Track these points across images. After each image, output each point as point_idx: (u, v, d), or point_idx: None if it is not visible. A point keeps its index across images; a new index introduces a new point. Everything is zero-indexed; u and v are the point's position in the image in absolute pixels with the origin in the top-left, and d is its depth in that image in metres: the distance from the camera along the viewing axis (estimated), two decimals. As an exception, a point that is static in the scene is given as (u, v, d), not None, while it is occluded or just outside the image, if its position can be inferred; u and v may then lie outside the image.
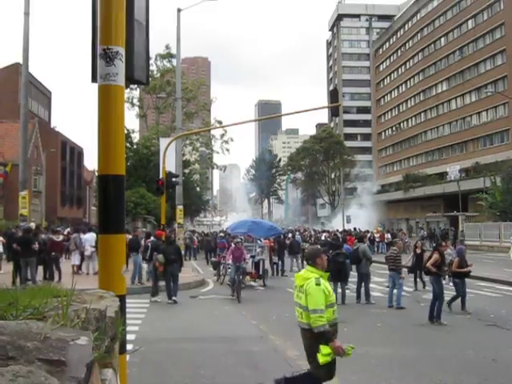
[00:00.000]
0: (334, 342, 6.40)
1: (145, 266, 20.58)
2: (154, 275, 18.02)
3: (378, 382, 8.63)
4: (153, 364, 9.33)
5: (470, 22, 73.09)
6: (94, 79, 4.60)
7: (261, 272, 22.10)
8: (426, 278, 20.80)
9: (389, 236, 41.42)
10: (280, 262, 27.58)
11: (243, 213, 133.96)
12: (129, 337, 9.26)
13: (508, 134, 64.28)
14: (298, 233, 39.90)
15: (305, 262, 8.15)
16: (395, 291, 16.36)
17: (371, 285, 18.47)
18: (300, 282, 6.65)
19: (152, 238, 20.80)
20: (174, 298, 16.96)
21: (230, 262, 18.79)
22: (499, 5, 67.00)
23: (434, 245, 16.01)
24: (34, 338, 1.50)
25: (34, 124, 64.68)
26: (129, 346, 8.88)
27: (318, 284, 6.39)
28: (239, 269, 18.05)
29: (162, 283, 18.33)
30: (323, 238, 38.75)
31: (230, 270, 19.66)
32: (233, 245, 21.82)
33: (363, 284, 17.57)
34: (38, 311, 1.83)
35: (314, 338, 6.40)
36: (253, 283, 22.05)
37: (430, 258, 14.24)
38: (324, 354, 6.27)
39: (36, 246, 19.12)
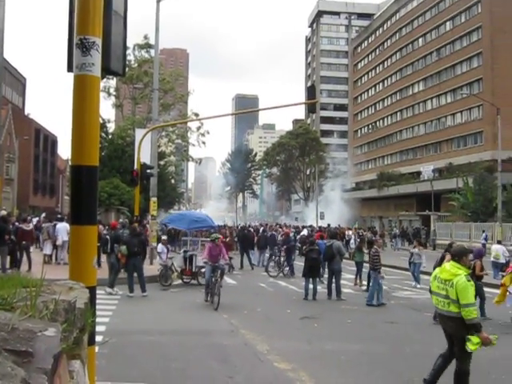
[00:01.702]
0: (483, 333, 6.98)
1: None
2: (114, 267, 17.56)
3: (347, 378, 8.72)
4: (123, 356, 9.30)
5: (448, 23, 73.80)
6: (69, 69, 4.56)
7: (194, 269, 20.03)
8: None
9: (349, 233, 41.42)
10: (246, 257, 27.80)
11: (219, 203, 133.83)
12: (99, 328, 9.22)
13: (481, 136, 65.13)
14: (262, 228, 40.07)
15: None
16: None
17: (342, 281, 18.62)
18: (447, 277, 7.22)
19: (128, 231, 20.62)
20: (143, 293, 16.69)
21: (206, 260, 16.00)
22: (477, 8, 67.76)
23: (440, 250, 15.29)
24: (2, 329, 1.50)
25: (8, 110, 63.80)
26: (99, 338, 8.85)
27: (469, 280, 7.05)
28: (216, 269, 15.58)
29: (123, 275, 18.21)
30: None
31: (203, 270, 17.71)
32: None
33: (334, 280, 17.66)
34: (6, 302, 1.82)
35: (460, 326, 7.01)
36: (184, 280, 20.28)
37: (442, 259, 13.72)
38: (474, 343, 6.88)
39: (7, 237, 18.89)
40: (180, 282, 20.20)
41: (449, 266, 7.42)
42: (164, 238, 22.24)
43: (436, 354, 7.53)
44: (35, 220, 32.35)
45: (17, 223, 22.34)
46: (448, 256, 13.58)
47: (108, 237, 18.87)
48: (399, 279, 22.24)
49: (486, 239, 38.94)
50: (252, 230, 36.57)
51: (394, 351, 10.41)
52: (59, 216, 29.87)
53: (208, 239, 22.68)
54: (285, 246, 25.19)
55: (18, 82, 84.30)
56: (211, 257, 15.79)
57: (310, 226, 46.28)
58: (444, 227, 50.24)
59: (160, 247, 20.59)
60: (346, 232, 42.19)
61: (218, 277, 15.32)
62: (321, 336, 11.67)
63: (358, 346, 10.66)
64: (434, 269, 14.02)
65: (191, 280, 20.27)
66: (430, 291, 7.88)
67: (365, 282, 20.29)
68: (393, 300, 17.38)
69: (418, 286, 20.70)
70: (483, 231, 40.78)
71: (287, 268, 24.12)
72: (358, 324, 13.20)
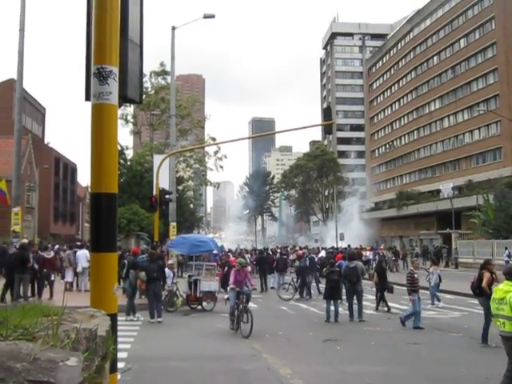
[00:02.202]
0: None
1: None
2: (130, 293, 17.46)
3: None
4: (145, 382, 9.26)
5: (462, 41, 73.79)
6: (87, 98, 4.63)
7: (198, 294, 19.61)
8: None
9: (367, 254, 40.95)
10: (264, 279, 27.68)
11: (238, 226, 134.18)
12: (121, 355, 9.20)
13: (500, 152, 64.66)
14: (279, 251, 40.04)
15: None
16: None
17: (364, 302, 18.44)
18: (500, 295, 7.43)
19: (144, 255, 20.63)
20: (158, 318, 16.55)
21: (233, 286, 15.14)
22: (491, 25, 67.70)
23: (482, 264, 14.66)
24: (24, 359, 1.50)
25: (28, 140, 64.61)
26: (121, 364, 8.82)
27: None
28: (241, 295, 14.87)
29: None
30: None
31: (226, 297, 16.67)
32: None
33: (356, 301, 17.48)
34: (28, 331, 1.83)
35: None
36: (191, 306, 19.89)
37: (480, 277, 13.40)
38: None
39: (30, 263, 19.07)
40: (187, 307, 19.77)
41: (502, 285, 7.61)
42: (170, 262, 21.82)
43: (463, 376, 7.41)
44: (55, 248, 32.58)
45: (39, 251, 22.51)
46: (487, 274, 13.34)
47: (126, 261, 18.88)
48: (421, 299, 21.94)
49: (509, 256, 38.42)
50: (271, 252, 36.49)
51: (418, 373, 10.25)
52: (79, 243, 30.06)
53: (213, 264, 22.36)
54: (294, 268, 25.22)
55: (38, 112, 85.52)
56: (237, 283, 15.15)
57: (332, 248, 46.00)
58: (466, 245, 49.68)
59: (167, 271, 19.68)
60: (364, 253, 41.81)
61: (245, 303, 14.68)
62: (343, 359, 11.53)
63: (381, 369, 10.51)
64: (472, 288, 13.84)
65: (197, 306, 19.78)
66: (492, 315, 8.15)
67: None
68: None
69: (441, 304, 20.48)
70: (506, 248, 40.24)
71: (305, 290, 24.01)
72: (382, 346, 13.02)
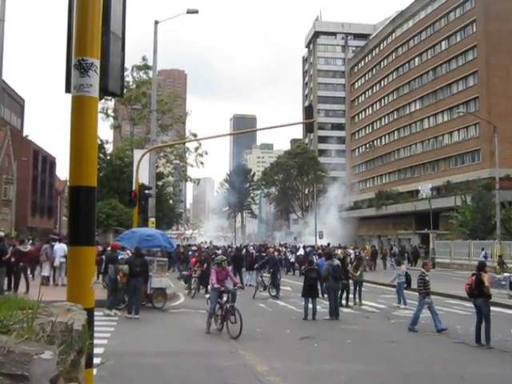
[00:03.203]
0: None
1: None
2: (110, 287, 17.32)
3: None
4: (121, 378, 9.20)
5: (443, 43, 74.39)
6: (67, 90, 4.57)
7: (149, 291, 18.76)
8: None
9: (338, 252, 40.70)
10: (239, 276, 27.75)
11: (218, 221, 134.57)
12: (97, 350, 9.13)
13: (479, 154, 65.34)
14: (252, 248, 40.14)
15: None
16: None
17: (343, 301, 18.52)
18: None
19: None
20: (135, 315, 16.33)
21: (217, 286, 14.34)
22: (472, 28, 68.38)
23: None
24: (-3, 352, 1.48)
25: (6, 132, 63.98)
26: (97, 360, 8.76)
27: None
28: (226, 293, 14.34)
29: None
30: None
31: (208, 296, 15.95)
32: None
33: (334, 299, 17.53)
34: (2, 324, 1.80)
35: None
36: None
37: (478, 279, 13.28)
38: None
39: (6, 256, 18.87)
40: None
41: None
42: (121, 257, 21.18)
43: (439, 374, 7.46)
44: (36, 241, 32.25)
45: (17, 245, 22.25)
46: (486, 275, 13.40)
47: (103, 257, 18.71)
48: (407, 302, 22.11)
49: (485, 257, 38.89)
50: (249, 250, 36.52)
51: (394, 371, 10.32)
52: (56, 237, 29.76)
53: (162, 259, 21.75)
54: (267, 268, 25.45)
55: (17, 104, 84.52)
56: (218, 281, 14.52)
57: (312, 247, 46.15)
58: (443, 245, 50.17)
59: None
60: (338, 251, 41.71)
61: (232, 302, 14.01)
62: (321, 356, 11.58)
63: (358, 366, 10.57)
64: (469, 290, 13.74)
65: (146, 303, 18.83)
66: None
67: (359, 301, 20.48)
68: (393, 319, 17.28)
69: (402, 306, 19.85)
70: (482, 249, 40.74)
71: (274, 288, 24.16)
72: (359, 344, 13.09)
